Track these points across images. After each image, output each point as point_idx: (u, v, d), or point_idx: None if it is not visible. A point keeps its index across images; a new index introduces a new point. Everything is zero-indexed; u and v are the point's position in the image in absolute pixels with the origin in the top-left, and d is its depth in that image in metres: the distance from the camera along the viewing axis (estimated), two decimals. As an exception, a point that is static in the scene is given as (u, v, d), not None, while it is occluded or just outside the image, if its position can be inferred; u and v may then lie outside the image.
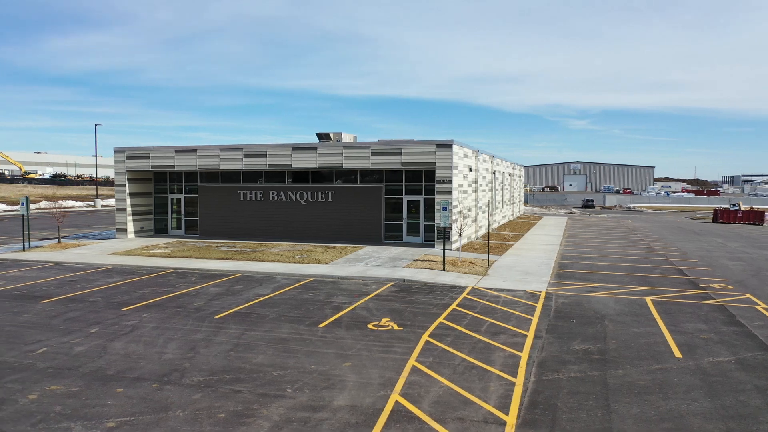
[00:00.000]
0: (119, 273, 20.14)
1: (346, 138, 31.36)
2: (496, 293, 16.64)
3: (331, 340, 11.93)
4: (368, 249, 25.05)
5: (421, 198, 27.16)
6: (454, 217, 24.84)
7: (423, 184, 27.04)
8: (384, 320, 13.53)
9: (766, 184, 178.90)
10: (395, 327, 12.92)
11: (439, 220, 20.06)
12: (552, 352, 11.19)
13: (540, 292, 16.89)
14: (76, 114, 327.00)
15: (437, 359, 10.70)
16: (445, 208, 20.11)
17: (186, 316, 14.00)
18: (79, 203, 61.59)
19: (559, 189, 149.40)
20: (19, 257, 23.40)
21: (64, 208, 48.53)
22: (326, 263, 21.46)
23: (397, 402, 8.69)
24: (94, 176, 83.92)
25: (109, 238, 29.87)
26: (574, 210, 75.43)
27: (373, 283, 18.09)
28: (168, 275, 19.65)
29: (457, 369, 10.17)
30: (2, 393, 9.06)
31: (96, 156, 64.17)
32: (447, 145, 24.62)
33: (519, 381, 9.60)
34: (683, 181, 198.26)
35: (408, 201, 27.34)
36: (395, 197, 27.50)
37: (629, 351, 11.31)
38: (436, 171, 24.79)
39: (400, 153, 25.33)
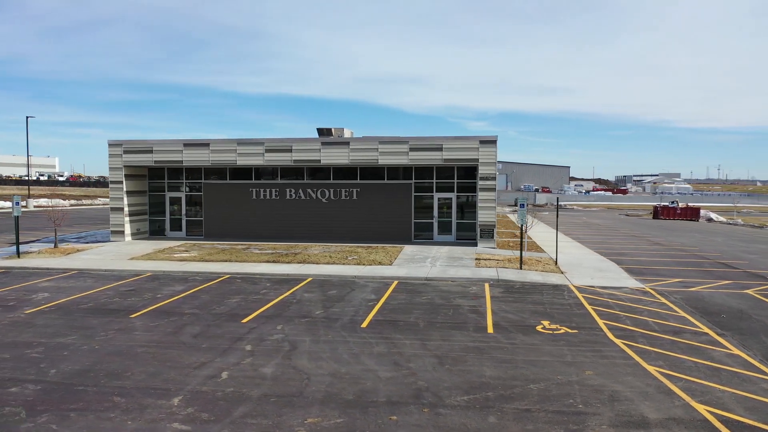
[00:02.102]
0: (170, 280, 17.90)
1: (346, 133, 30.15)
2: (607, 291, 16.42)
3: (523, 345, 11.08)
4: (410, 249, 24.09)
5: (452, 195, 26.55)
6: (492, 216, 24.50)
7: (455, 181, 26.45)
8: (545, 322, 12.84)
9: (655, 183, 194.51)
10: (569, 330, 12.28)
11: (519, 219, 19.59)
12: None
13: (643, 288, 16.88)
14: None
15: (667, 363, 10.18)
16: (522, 206, 19.67)
17: (327, 326, 12.54)
18: (5, 203, 55.13)
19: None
20: (26, 264, 20.22)
21: None
22: (388, 264, 20.31)
23: (713, 413, 8.08)
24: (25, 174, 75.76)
25: (104, 241, 26.68)
26: (507, 208, 77.69)
27: (470, 285, 17.29)
28: (232, 281, 17.70)
29: (705, 372, 9.72)
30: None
31: (28, 155, 57.54)
32: (491, 141, 24.19)
33: (779, 381, 9.32)
34: (587, 180, 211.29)
35: (439, 198, 26.64)
36: (426, 194, 26.69)
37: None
38: (480, 167, 24.29)
39: (441, 149, 24.56)
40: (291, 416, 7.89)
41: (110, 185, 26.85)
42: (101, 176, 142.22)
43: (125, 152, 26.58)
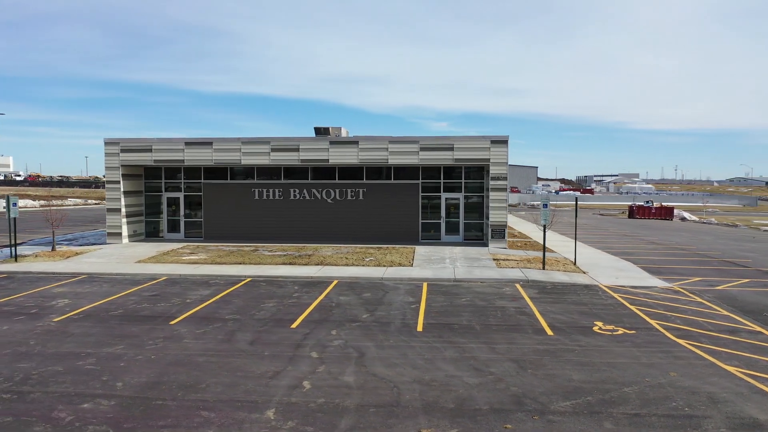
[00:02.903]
0: (191, 284, 17.20)
1: (343, 133, 29.77)
2: (639, 290, 16.52)
3: (591, 347, 10.95)
4: (423, 249, 23.84)
5: (460, 195, 26.43)
6: (504, 215, 24.48)
7: (463, 181, 26.34)
8: (599, 323, 12.77)
9: (617, 183, 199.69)
10: (626, 331, 12.24)
11: (541, 219, 19.56)
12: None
13: (672, 287, 17.06)
14: None
15: (742, 362, 10.19)
16: (545, 206, 19.66)
17: (382, 331, 12.18)
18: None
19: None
20: (29, 269, 19.14)
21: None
22: (409, 266, 20.02)
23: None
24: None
25: (100, 244, 25.55)
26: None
27: (501, 286, 17.14)
28: (256, 284, 17.12)
29: (784, 371, 9.79)
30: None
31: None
32: (502, 141, 24.15)
33: None
34: (552, 180, 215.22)
35: (447, 199, 26.49)
36: (433, 194, 26.49)
37: None
38: (491, 167, 24.22)
39: (452, 149, 24.39)
40: (401, 428, 7.54)
41: (106, 185, 25.71)
42: (63, 176, 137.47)
43: (122, 151, 25.51)
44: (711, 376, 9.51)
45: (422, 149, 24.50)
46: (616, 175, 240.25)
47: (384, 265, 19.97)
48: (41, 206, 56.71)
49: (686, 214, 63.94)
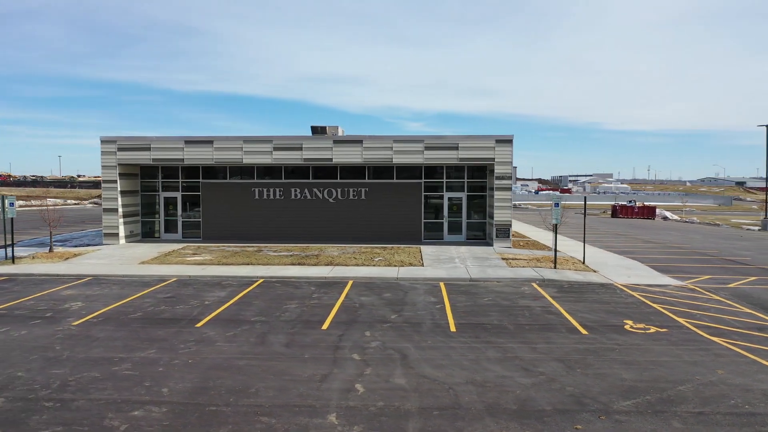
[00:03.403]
0: (204, 285, 16.79)
1: (339, 131, 29.56)
2: (655, 288, 16.64)
3: (630, 346, 10.94)
4: (428, 249, 23.72)
5: (463, 195, 26.38)
6: (509, 214, 24.52)
7: (465, 180, 26.31)
8: (628, 322, 12.80)
9: (592, 183, 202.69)
10: (659, 329, 12.28)
11: (553, 217, 19.58)
12: None
13: (685, 285, 17.24)
14: None
15: (782, 359, 10.33)
16: (557, 205, 19.71)
17: (416, 331, 12.00)
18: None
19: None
20: (29, 270, 18.49)
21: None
22: (419, 265, 19.87)
23: None
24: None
25: (96, 244, 24.83)
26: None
27: (518, 285, 17.11)
28: (271, 285, 16.79)
29: (826, 367, 9.90)
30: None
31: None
32: (507, 141, 24.16)
33: None
34: (530, 180, 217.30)
35: (449, 198, 26.42)
36: (435, 194, 26.40)
37: None
38: (496, 167, 24.21)
39: (456, 148, 24.31)
40: (470, 430, 7.40)
41: (103, 184, 25.00)
42: (36, 175, 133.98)
43: (119, 149, 24.83)
44: (757, 373, 9.57)
45: (427, 148, 24.38)
46: (591, 175, 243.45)
47: (394, 265, 19.79)
48: (20, 207, 55.07)
49: (668, 214, 65.14)
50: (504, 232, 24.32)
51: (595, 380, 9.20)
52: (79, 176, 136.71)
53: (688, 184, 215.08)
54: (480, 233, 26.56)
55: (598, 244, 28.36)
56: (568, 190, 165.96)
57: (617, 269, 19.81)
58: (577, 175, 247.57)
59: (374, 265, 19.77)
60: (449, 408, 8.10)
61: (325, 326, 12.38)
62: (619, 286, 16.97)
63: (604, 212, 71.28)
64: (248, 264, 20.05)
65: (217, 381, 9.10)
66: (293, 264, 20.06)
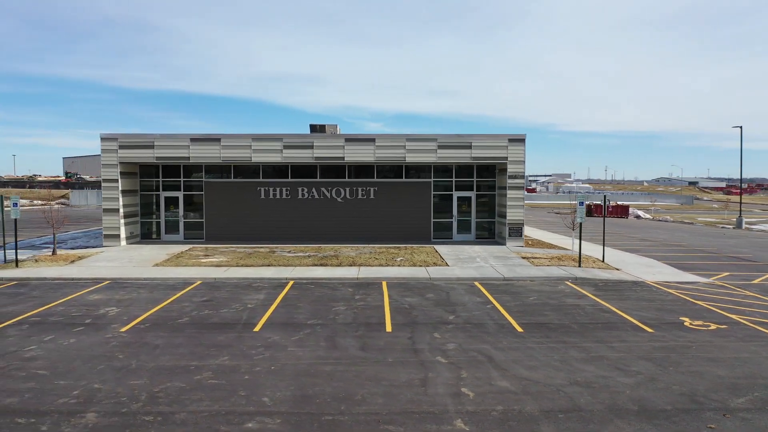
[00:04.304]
0: (234, 287, 16.17)
1: (337, 131, 29.23)
2: (687, 285, 16.88)
3: (703, 343, 10.98)
4: (444, 249, 23.54)
5: (472, 194, 26.32)
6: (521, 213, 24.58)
7: (475, 179, 26.25)
8: (685, 319, 12.90)
9: (552, 183, 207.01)
10: (719, 326, 12.41)
11: (578, 216, 19.70)
12: None
13: (713, 282, 17.58)
14: None
15: None
16: (581, 203, 19.82)
17: (485, 332, 11.79)
18: None
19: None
20: (40, 275, 17.44)
21: None
22: (445, 265, 19.67)
23: None
24: None
25: (95, 246, 23.66)
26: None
27: (553, 283, 17.11)
28: (304, 287, 16.29)
29: None
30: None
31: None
32: (519, 140, 24.21)
33: None
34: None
35: (458, 197, 26.31)
36: (445, 193, 26.25)
37: None
38: (509, 166, 24.22)
39: (470, 147, 24.21)
40: (621, 430, 7.23)
41: (103, 184, 23.85)
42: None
43: (121, 147, 23.74)
44: (842, 367, 9.74)
45: (440, 147, 24.20)
46: (550, 176, 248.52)
47: (419, 265, 19.54)
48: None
49: (640, 213, 66.94)
50: (517, 231, 24.38)
51: (695, 378, 9.17)
52: (36, 176, 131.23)
53: (645, 183, 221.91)
54: (488, 232, 26.56)
55: (599, 242, 28.75)
56: (533, 190, 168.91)
57: (638, 267, 20.08)
58: (536, 176, 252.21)
59: (399, 266, 19.47)
60: (571, 410, 7.91)
61: (388, 328, 12.04)
62: (651, 283, 17.17)
63: (574, 211, 72.47)
64: (268, 265, 19.45)
65: (315, 388, 8.66)
66: (315, 265, 19.57)
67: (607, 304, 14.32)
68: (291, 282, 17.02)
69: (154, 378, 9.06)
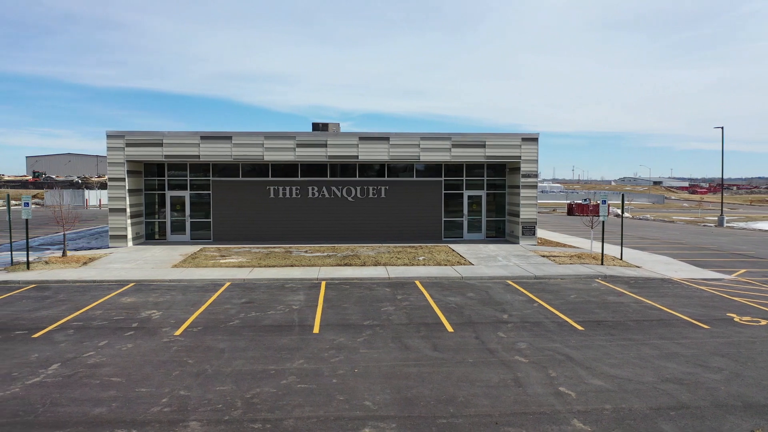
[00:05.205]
0: (268, 288, 15.78)
1: (338, 129, 29.00)
2: (715, 282, 17.19)
3: (765, 339, 11.22)
4: (460, 248, 23.48)
5: (482, 193, 26.35)
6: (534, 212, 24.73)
7: (485, 178, 26.30)
8: (733, 315, 13.11)
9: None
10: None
11: (601, 215, 19.90)
12: None
13: (737, 278, 17.97)
14: None
15: None
16: (604, 202, 20.03)
17: (546, 330, 11.75)
18: None
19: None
20: (59, 277, 16.70)
21: None
22: (469, 264, 19.60)
23: None
24: None
25: (102, 247, 22.81)
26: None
27: (584, 281, 17.22)
28: (339, 287, 16.00)
29: None
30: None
31: None
32: (533, 139, 24.34)
33: None
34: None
35: (469, 196, 26.32)
36: (455, 192, 26.21)
37: None
38: (522, 165, 24.33)
39: (484, 146, 24.21)
40: (730, 427, 7.22)
41: (109, 183, 23.00)
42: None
43: (128, 145, 22.95)
44: None
45: (454, 146, 24.15)
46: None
47: (444, 264, 19.44)
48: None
49: (619, 211, 68.41)
50: (530, 229, 24.51)
51: (779, 373, 9.30)
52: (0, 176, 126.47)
53: (612, 183, 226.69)
54: (497, 231, 26.64)
55: (606, 241, 29.13)
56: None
57: (657, 264, 20.39)
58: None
59: (424, 265, 19.33)
60: (679, 408, 7.90)
61: (449, 328, 11.89)
62: (679, 280, 17.44)
63: (554, 210, 73.75)
64: (291, 266, 19.07)
65: (412, 391, 8.45)
66: (339, 265, 19.27)
67: (649, 301, 14.46)
68: (323, 282, 16.71)
69: (239, 383, 8.71)
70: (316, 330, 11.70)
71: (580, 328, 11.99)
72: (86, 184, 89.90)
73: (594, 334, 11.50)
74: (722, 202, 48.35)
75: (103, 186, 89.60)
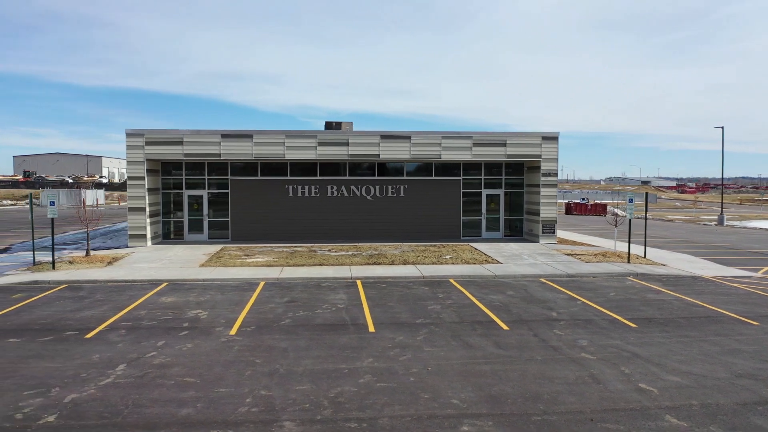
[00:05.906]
0: (306, 287, 15.68)
1: (351, 128, 28.94)
2: (745, 280, 17.38)
3: (817, 336, 11.35)
4: (482, 246, 23.50)
5: (500, 192, 26.40)
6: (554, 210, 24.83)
7: (503, 177, 26.34)
8: (777, 312, 13.27)
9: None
10: (814, 317, 12.79)
11: (627, 213, 20.03)
12: None
13: (764, 275, 18.16)
14: None
15: None
16: (631, 201, 20.14)
17: (600, 327, 11.78)
18: None
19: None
20: (91, 277, 16.46)
21: None
22: (498, 263, 19.62)
23: None
24: None
25: (120, 247, 22.53)
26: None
27: (617, 279, 17.30)
28: (376, 285, 15.92)
29: None
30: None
31: None
32: (553, 138, 24.42)
33: None
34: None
35: (487, 195, 26.34)
36: (473, 191, 26.23)
37: None
38: (542, 164, 24.41)
39: (504, 144, 24.25)
40: (823, 424, 7.28)
41: (128, 181, 22.71)
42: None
43: (147, 143, 22.69)
44: None
45: (475, 145, 24.16)
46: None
47: (472, 263, 19.44)
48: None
49: (618, 210, 68.94)
50: (550, 228, 24.60)
51: None
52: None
53: (602, 183, 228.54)
54: (513, 230, 26.71)
55: (610, 238, 29.35)
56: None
57: (681, 263, 20.54)
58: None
59: (453, 263, 19.31)
60: (765, 402, 7.94)
61: (504, 326, 11.87)
62: (710, 278, 17.59)
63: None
64: (320, 264, 18.97)
65: (494, 388, 8.42)
66: (368, 264, 19.20)
67: (690, 299, 14.56)
68: (358, 281, 16.63)
69: (317, 383, 8.62)
70: (371, 329, 11.63)
71: (632, 325, 12.03)
72: (78, 184, 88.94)
73: (649, 332, 11.54)
74: (722, 202, 48.92)
75: (98, 185, 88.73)
